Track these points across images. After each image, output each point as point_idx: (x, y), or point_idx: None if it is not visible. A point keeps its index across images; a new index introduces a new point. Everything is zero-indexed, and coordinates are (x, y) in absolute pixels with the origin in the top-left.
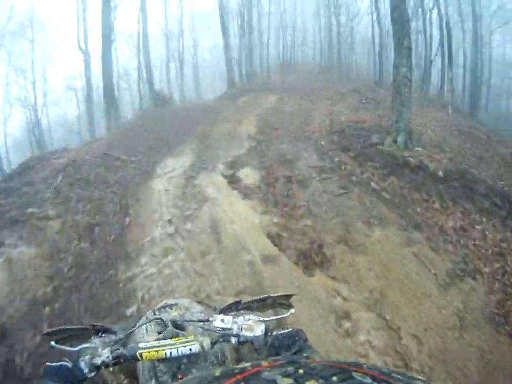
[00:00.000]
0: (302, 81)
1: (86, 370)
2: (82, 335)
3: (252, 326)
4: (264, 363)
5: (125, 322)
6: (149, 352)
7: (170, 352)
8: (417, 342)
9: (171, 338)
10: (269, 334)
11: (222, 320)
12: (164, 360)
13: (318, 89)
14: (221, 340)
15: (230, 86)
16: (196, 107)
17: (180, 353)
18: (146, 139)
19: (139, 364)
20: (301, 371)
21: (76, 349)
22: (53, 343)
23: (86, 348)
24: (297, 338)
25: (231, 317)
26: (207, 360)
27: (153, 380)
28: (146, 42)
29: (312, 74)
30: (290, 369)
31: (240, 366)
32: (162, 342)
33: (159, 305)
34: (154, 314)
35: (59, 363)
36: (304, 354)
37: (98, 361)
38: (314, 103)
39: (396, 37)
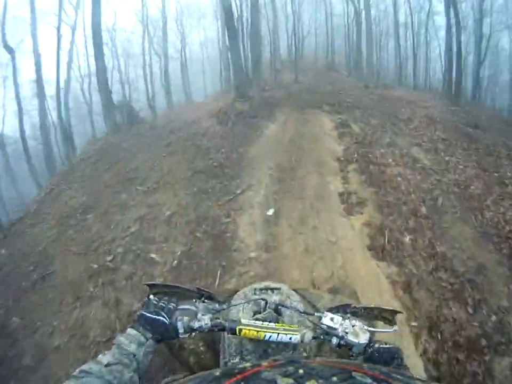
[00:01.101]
0: (323, 82)
1: (181, 331)
2: (184, 295)
3: (357, 332)
4: (264, 363)
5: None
6: (249, 330)
7: (270, 336)
8: None
9: (273, 322)
10: (371, 344)
11: (332, 319)
12: (252, 339)
13: (383, 104)
14: (322, 336)
15: (240, 95)
16: (185, 140)
17: (279, 339)
18: None
19: (225, 338)
20: (301, 371)
21: (178, 307)
22: (151, 296)
23: (186, 309)
24: (396, 356)
25: (340, 318)
26: (295, 350)
27: (238, 357)
28: (98, 33)
29: (321, 71)
30: (290, 369)
31: (240, 366)
32: (265, 324)
33: (261, 285)
34: (255, 293)
35: (157, 316)
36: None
37: (196, 324)
38: (437, 156)
39: None
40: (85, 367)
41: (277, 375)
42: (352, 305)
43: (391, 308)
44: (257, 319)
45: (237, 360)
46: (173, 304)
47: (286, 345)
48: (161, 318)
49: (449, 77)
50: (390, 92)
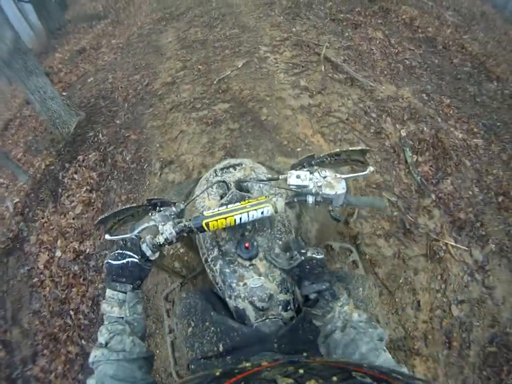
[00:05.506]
0: None
1: (149, 253)
2: (139, 213)
3: (331, 183)
4: (264, 363)
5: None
6: (217, 220)
7: (240, 218)
8: None
9: (238, 202)
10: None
11: (298, 177)
12: (225, 227)
13: None
14: (295, 199)
15: None
16: None
17: (251, 217)
18: None
19: (199, 234)
20: (301, 371)
21: (135, 232)
22: (107, 236)
23: (144, 228)
24: (321, 268)
25: (308, 173)
26: (273, 228)
27: (216, 249)
28: None
29: None
30: (290, 369)
31: (240, 366)
32: (230, 207)
33: (221, 164)
34: (217, 175)
35: (124, 260)
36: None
37: (160, 239)
38: None
39: None
40: (92, 358)
41: (277, 375)
42: (316, 156)
43: (359, 148)
44: (221, 204)
45: (215, 253)
46: (129, 229)
47: (262, 223)
48: (129, 259)
49: None
50: None
